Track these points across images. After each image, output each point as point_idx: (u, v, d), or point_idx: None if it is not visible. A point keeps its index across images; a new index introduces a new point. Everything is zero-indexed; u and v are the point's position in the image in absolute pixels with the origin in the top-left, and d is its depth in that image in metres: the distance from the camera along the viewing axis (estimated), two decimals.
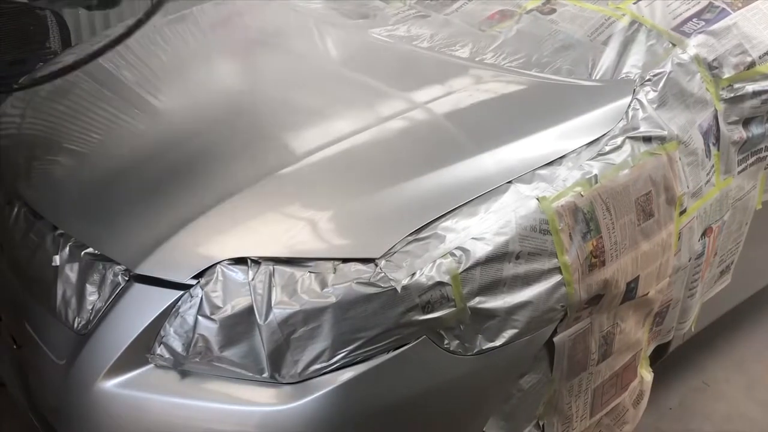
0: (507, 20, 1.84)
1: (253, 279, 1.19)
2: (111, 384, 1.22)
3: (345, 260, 1.22)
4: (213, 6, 2.31)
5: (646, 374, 1.74)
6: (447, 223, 1.28)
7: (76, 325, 1.30)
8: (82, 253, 1.33)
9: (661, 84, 1.60)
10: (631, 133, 1.51)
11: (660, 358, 1.88)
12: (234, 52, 1.97)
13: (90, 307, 1.29)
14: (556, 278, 1.34)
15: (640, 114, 1.55)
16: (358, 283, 1.19)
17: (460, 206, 1.31)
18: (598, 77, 1.66)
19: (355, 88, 1.70)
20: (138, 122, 1.68)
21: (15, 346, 1.48)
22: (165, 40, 2.15)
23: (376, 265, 1.21)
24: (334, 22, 2.03)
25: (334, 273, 1.21)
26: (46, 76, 1.35)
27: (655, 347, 1.81)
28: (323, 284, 1.20)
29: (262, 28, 2.10)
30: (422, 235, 1.26)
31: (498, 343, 1.29)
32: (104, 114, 1.73)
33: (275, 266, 1.21)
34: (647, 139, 1.53)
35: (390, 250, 1.23)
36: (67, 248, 1.36)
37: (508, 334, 1.30)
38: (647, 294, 1.56)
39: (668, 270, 1.61)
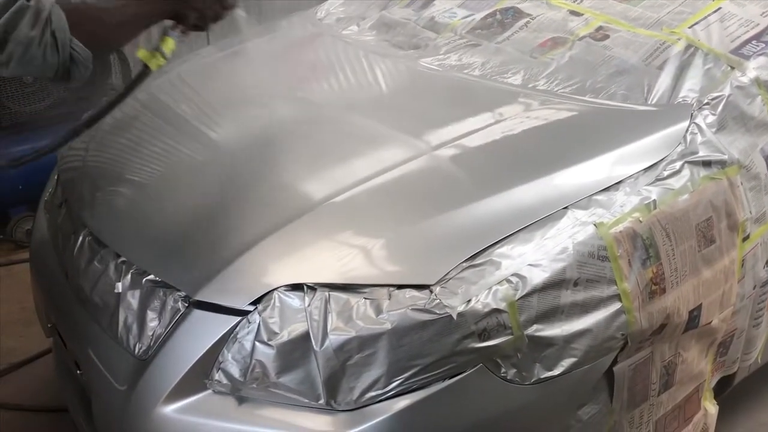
0: (559, 47, 1.84)
1: (309, 305, 1.20)
2: (170, 409, 1.24)
3: (400, 287, 1.22)
4: (266, 41, 2.37)
5: (711, 407, 1.68)
6: (502, 249, 1.27)
7: (136, 350, 1.33)
8: (144, 280, 1.37)
9: (720, 107, 1.57)
10: (690, 158, 1.48)
11: (725, 390, 1.81)
12: (287, 85, 2.01)
13: (150, 333, 1.32)
14: (616, 306, 1.31)
15: (699, 138, 1.52)
16: (413, 309, 1.19)
17: (515, 232, 1.30)
18: (653, 102, 1.64)
19: (407, 117, 1.72)
20: (196, 154, 1.73)
21: (78, 372, 1.52)
22: (220, 73, 2.21)
23: (431, 292, 1.21)
24: (385, 53, 2.06)
25: (388, 299, 1.21)
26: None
27: (720, 379, 1.74)
28: (378, 311, 1.20)
29: (315, 60, 2.14)
30: (477, 261, 1.25)
31: (556, 372, 1.27)
32: (164, 146, 1.79)
33: (331, 292, 1.22)
34: (707, 164, 1.50)
35: (445, 276, 1.23)
36: (129, 275, 1.39)
37: (567, 362, 1.27)
38: (710, 323, 1.51)
39: (732, 298, 1.56)
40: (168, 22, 1.43)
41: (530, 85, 1.76)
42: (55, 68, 1.23)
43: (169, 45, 1.42)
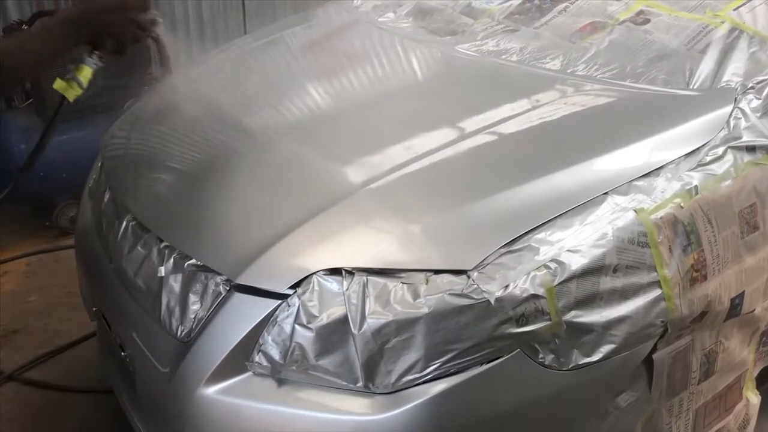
0: (599, 32, 1.81)
1: (347, 289, 1.22)
2: (212, 390, 1.27)
3: (437, 272, 1.23)
4: (302, 29, 2.39)
5: (753, 397, 1.65)
6: (541, 235, 1.27)
7: (179, 333, 1.36)
8: (186, 264, 1.39)
9: (765, 91, 1.53)
10: (733, 143, 1.46)
11: None
12: (324, 72, 2.02)
13: (192, 316, 1.35)
14: (656, 292, 1.30)
15: (743, 123, 1.49)
16: (450, 294, 1.19)
17: (554, 218, 1.29)
18: (696, 86, 1.61)
19: (445, 103, 1.72)
20: (235, 141, 1.75)
21: (122, 354, 1.56)
22: (258, 62, 2.24)
23: (469, 277, 1.21)
24: (422, 40, 2.06)
25: (426, 284, 1.22)
26: None
27: (763, 369, 1.71)
28: (416, 295, 1.21)
29: (351, 48, 2.15)
30: (515, 247, 1.25)
31: (594, 358, 1.26)
32: (203, 134, 1.81)
33: (369, 277, 1.23)
34: (751, 149, 1.47)
35: (482, 262, 1.23)
36: (172, 260, 1.42)
37: (605, 349, 1.26)
38: (753, 311, 1.49)
39: None
40: (84, 48, 1.40)
41: (569, 71, 1.74)
42: None
43: (86, 73, 1.39)
